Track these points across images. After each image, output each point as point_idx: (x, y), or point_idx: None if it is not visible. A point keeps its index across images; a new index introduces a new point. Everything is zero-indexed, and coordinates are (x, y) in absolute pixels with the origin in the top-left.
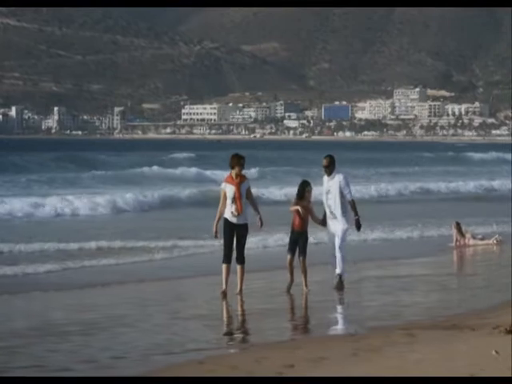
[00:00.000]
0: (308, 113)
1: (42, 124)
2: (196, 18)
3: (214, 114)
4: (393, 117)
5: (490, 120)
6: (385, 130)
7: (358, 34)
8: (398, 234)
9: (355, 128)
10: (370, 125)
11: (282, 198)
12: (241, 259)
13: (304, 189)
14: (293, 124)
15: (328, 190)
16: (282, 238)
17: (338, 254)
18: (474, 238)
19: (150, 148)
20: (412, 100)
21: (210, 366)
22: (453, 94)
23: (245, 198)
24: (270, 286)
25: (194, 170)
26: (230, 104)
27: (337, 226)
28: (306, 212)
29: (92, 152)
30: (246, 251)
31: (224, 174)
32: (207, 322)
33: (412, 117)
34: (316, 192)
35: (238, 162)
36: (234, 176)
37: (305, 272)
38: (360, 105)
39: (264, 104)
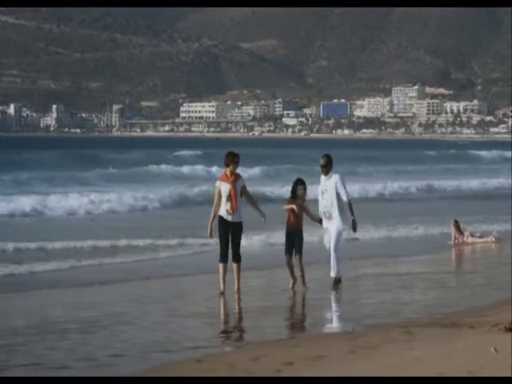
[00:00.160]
0: (306, 110)
1: (41, 122)
2: (194, 16)
3: (213, 111)
4: (391, 114)
5: (489, 118)
6: (383, 127)
7: (356, 32)
8: (397, 232)
9: (354, 126)
10: (369, 122)
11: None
12: (237, 258)
13: (296, 187)
14: (291, 122)
15: (324, 189)
16: None
17: (332, 256)
18: (472, 235)
19: (153, 146)
20: (410, 98)
21: (207, 364)
22: (451, 92)
23: (240, 196)
24: (270, 284)
25: (201, 167)
26: (229, 102)
27: (333, 227)
28: (301, 210)
29: (95, 150)
30: (248, 248)
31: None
32: (206, 320)
33: (410, 114)
34: (313, 190)
35: (232, 160)
36: (228, 174)
37: (302, 270)
38: (358, 102)
39: (262, 102)
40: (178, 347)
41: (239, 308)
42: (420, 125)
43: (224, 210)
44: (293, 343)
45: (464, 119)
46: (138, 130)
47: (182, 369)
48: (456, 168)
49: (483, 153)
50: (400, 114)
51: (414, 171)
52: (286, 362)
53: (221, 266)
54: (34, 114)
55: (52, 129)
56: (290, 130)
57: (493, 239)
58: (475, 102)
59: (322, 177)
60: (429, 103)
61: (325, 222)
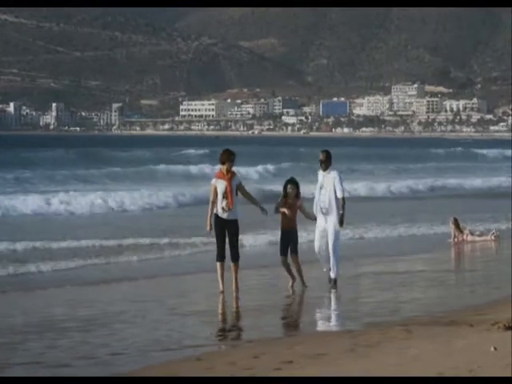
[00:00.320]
0: (306, 109)
1: (40, 120)
2: (194, 15)
3: (212, 110)
4: (391, 113)
5: (488, 116)
6: (383, 126)
7: (355, 30)
8: (398, 231)
9: (353, 124)
10: (368, 121)
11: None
12: (236, 256)
13: (286, 187)
14: (291, 120)
15: (322, 185)
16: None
17: (332, 257)
18: (471, 234)
19: (156, 144)
20: (410, 96)
21: (207, 362)
22: (451, 90)
23: (235, 193)
24: (270, 283)
25: (207, 166)
26: (228, 100)
27: (330, 225)
28: (292, 210)
29: (98, 148)
30: (250, 247)
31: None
32: (205, 319)
33: (410, 113)
34: (309, 189)
35: (228, 157)
36: (224, 171)
37: (299, 270)
38: (358, 101)
39: (262, 100)
40: (178, 346)
41: (237, 307)
42: (420, 123)
43: (220, 207)
44: (292, 341)
45: (463, 117)
46: (137, 128)
47: (182, 367)
48: (459, 166)
49: (486, 151)
50: (399, 113)
51: (417, 169)
52: (285, 360)
53: (218, 264)
54: (34, 113)
55: (52, 127)
56: (289, 128)
57: (492, 237)
58: (475, 100)
59: (321, 172)
60: (428, 101)
61: (320, 219)
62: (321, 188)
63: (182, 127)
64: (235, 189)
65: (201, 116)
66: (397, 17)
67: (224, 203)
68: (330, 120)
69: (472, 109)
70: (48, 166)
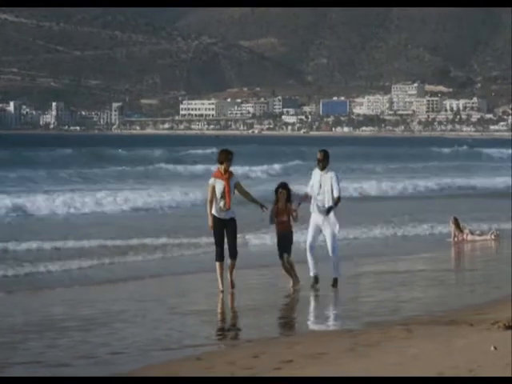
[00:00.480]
0: (306, 108)
1: (40, 119)
2: (194, 14)
3: (212, 109)
4: (391, 112)
5: (488, 115)
6: (383, 125)
7: (355, 30)
8: (398, 231)
9: (353, 123)
10: (368, 120)
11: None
12: (234, 254)
13: (276, 192)
14: (291, 119)
15: (320, 184)
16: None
17: (333, 258)
18: (472, 233)
19: (160, 144)
20: (410, 95)
21: (207, 361)
22: (451, 90)
23: (233, 193)
24: (270, 282)
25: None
26: (228, 99)
27: (327, 225)
28: (285, 214)
29: (103, 148)
30: (251, 247)
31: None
32: (205, 318)
33: (410, 112)
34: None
35: (226, 157)
36: (222, 171)
37: (290, 270)
38: (358, 100)
39: (262, 99)
40: (178, 345)
41: (232, 303)
42: (419, 122)
43: (217, 207)
44: (292, 341)
45: (463, 117)
46: (137, 127)
47: (182, 366)
48: (466, 166)
49: (494, 151)
50: (399, 112)
51: (423, 169)
52: (285, 359)
53: (217, 264)
54: (34, 112)
55: (51, 126)
56: (289, 127)
57: (492, 237)
58: (475, 99)
59: (317, 171)
60: (428, 101)
61: (316, 217)
62: (319, 187)
63: (182, 126)
64: (233, 189)
65: (201, 115)
66: (397, 16)
67: (222, 203)
68: (330, 119)
69: (472, 108)
70: (55, 165)
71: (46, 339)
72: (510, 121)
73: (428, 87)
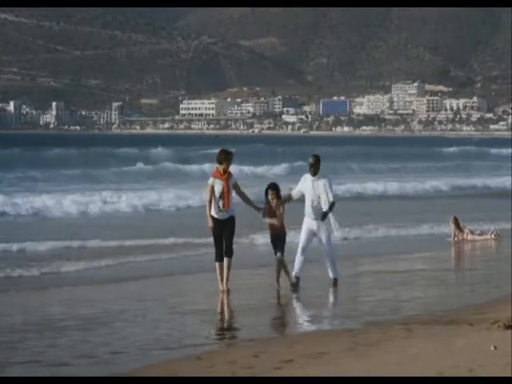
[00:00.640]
0: (306, 108)
1: (40, 119)
2: (194, 14)
3: (212, 108)
4: (391, 112)
5: (488, 115)
6: (383, 124)
7: (355, 30)
8: (398, 231)
9: (353, 123)
10: (368, 120)
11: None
12: (229, 252)
13: (266, 193)
14: (291, 119)
15: (314, 190)
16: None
17: (330, 260)
18: (472, 233)
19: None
20: (410, 95)
21: (207, 361)
22: (451, 89)
23: (231, 193)
24: (270, 282)
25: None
26: (228, 99)
27: (323, 229)
28: (274, 214)
29: (108, 148)
30: (252, 246)
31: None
32: (205, 318)
33: (410, 112)
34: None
35: (225, 157)
36: (221, 171)
37: (279, 270)
38: (358, 100)
39: (262, 99)
40: (179, 344)
41: (227, 300)
42: (420, 122)
43: (216, 207)
44: (292, 340)
45: (464, 116)
46: (137, 127)
47: (182, 366)
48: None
49: (497, 150)
50: (400, 111)
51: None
52: (285, 359)
53: (217, 264)
54: (34, 112)
55: (51, 126)
56: (289, 127)
57: (492, 236)
58: (475, 99)
59: (308, 176)
60: (428, 100)
61: (310, 221)
62: (313, 194)
63: (182, 126)
64: (232, 189)
65: (201, 115)
66: (397, 16)
67: (220, 203)
68: (330, 119)
69: (472, 108)
70: (57, 165)
71: (45, 339)
72: (509, 120)
73: (428, 87)
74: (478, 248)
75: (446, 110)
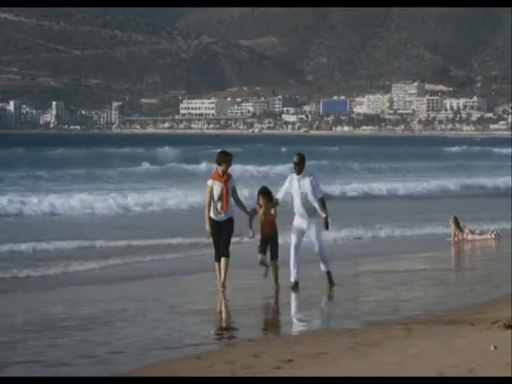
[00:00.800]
0: (306, 107)
1: (40, 119)
2: (194, 14)
3: (213, 108)
4: (391, 111)
5: (488, 114)
6: (383, 124)
7: (355, 30)
8: (402, 231)
9: (353, 123)
10: (368, 119)
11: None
12: (226, 253)
13: (258, 196)
14: (291, 119)
15: (300, 188)
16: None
17: (321, 256)
18: (472, 232)
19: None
20: (410, 95)
21: (207, 361)
22: (451, 89)
23: (230, 195)
24: (270, 282)
25: (238, 166)
26: (228, 99)
27: (312, 227)
28: (266, 216)
29: (113, 148)
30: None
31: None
32: (205, 317)
33: (410, 111)
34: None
35: (225, 159)
36: (220, 173)
37: (276, 273)
38: (358, 99)
39: (262, 99)
40: (179, 344)
41: (224, 303)
42: (420, 121)
43: (214, 209)
44: (292, 340)
45: (464, 116)
46: (137, 127)
47: (182, 366)
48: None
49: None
50: (400, 111)
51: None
52: (285, 359)
53: (217, 265)
54: (34, 111)
55: (52, 126)
56: (289, 126)
57: (492, 236)
58: (475, 98)
59: (294, 176)
60: (428, 100)
61: (299, 220)
62: (300, 192)
63: (182, 126)
64: (231, 191)
65: (201, 114)
66: (397, 16)
67: (219, 205)
68: (330, 118)
69: (472, 107)
70: (60, 165)
71: (45, 338)
72: (510, 120)
73: (428, 86)
74: (478, 248)
75: (446, 109)
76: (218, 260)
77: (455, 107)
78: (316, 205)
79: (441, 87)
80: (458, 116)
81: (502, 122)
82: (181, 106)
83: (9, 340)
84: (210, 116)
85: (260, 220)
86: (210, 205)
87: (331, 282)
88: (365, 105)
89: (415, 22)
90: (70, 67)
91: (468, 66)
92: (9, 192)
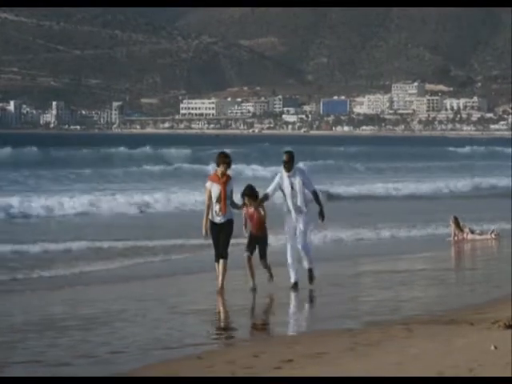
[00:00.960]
0: (306, 107)
1: (40, 119)
2: (194, 14)
3: (213, 108)
4: (391, 111)
5: (489, 115)
6: (383, 124)
7: (355, 30)
8: (399, 231)
9: (353, 123)
10: (369, 119)
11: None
12: (224, 254)
13: (242, 197)
14: (291, 119)
15: (291, 185)
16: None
17: (303, 250)
18: (472, 232)
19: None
20: (410, 95)
21: (207, 361)
22: (451, 89)
23: (229, 197)
24: (270, 282)
25: (245, 167)
26: (229, 99)
27: (301, 222)
28: (255, 215)
29: (117, 148)
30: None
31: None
32: (205, 317)
33: (410, 111)
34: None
35: (224, 160)
36: (219, 175)
37: (268, 267)
38: (358, 99)
39: (262, 99)
40: (179, 344)
41: (223, 304)
42: (420, 122)
43: (213, 211)
44: (292, 340)
45: (464, 116)
46: (137, 126)
47: (183, 366)
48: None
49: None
50: (400, 111)
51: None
52: (285, 359)
53: (216, 265)
54: (34, 111)
55: (52, 126)
56: (289, 126)
57: (492, 236)
58: (475, 98)
59: (284, 173)
60: (429, 100)
61: (291, 219)
62: (292, 189)
63: (182, 126)
64: (229, 193)
65: (201, 114)
66: (397, 16)
67: (217, 208)
68: (331, 118)
69: (472, 107)
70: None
71: (45, 338)
72: (510, 120)
73: (428, 86)
74: (478, 248)
75: (446, 109)
76: (218, 261)
77: (455, 107)
78: (304, 202)
79: (441, 87)
80: (458, 116)
81: (502, 123)
82: (181, 105)
83: (9, 340)
84: (210, 116)
85: (246, 219)
86: (208, 208)
87: (311, 279)
88: (365, 105)
89: (415, 22)
90: (70, 67)
91: (468, 66)
92: (12, 192)
